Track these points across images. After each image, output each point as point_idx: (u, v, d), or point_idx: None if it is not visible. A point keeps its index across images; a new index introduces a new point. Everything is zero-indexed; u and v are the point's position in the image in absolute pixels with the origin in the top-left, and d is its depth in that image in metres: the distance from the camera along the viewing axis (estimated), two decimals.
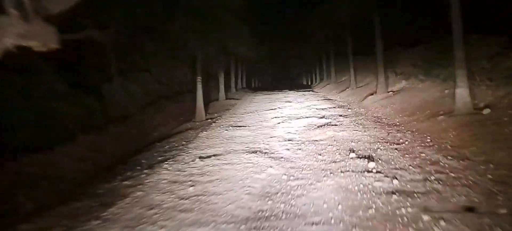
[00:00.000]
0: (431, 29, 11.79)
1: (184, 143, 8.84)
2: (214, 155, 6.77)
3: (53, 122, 9.73)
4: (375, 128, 8.57)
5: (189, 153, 7.31)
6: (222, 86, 19.13)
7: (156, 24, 13.38)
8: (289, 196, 4.32)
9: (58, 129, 9.46)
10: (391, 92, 12.82)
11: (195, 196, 4.55)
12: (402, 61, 13.34)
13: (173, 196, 4.62)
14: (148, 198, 4.61)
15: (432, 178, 4.56)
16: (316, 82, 35.23)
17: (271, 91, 26.73)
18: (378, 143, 6.83)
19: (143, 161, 7.51)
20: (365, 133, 7.91)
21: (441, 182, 4.37)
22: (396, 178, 4.57)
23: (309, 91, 24.58)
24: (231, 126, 10.46)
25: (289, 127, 9.61)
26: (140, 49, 16.72)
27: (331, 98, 17.18)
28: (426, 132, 7.44)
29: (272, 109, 13.84)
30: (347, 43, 19.23)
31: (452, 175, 4.60)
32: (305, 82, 44.21)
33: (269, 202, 4.19)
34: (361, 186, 4.40)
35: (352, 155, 6.01)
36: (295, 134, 8.57)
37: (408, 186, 4.32)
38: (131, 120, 13.40)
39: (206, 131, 9.96)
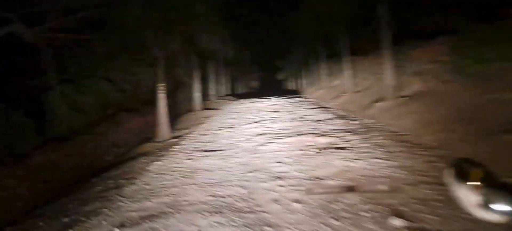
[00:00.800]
0: (458, 16, 9.18)
1: (123, 182, 5.94)
2: (148, 219, 3.88)
3: None
4: (403, 152, 5.84)
5: (114, 210, 4.40)
6: (197, 95, 16.23)
7: (104, 17, 10.37)
8: None
9: None
10: (403, 98, 10.15)
11: None
12: (415, 58, 10.74)
13: None
14: None
15: None
16: (305, 87, 32.58)
17: (256, 98, 23.98)
18: (426, 186, 4.06)
19: (41, 223, 4.62)
20: (394, 164, 5.16)
21: None
22: None
23: (298, 97, 21.84)
24: (199, 150, 7.61)
25: (277, 151, 6.81)
26: (92, 51, 13.69)
27: (327, 106, 14.47)
28: (491, 160, 4.68)
29: (256, 122, 11.03)
30: (341, 41, 16.56)
31: None
32: (293, 87, 41.54)
33: None
34: None
35: (397, 224, 3.21)
36: (287, 164, 5.76)
37: None
38: (73, 141, 10.37)
39: (160, 161, 7.07)
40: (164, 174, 5.96)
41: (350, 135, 7.59)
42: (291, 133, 8.52)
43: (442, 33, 9.36)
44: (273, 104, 16.61)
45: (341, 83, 19.35)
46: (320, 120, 10.07)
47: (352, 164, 5.32)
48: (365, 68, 16.54)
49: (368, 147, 6.35)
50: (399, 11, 10.82)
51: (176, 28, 9.50)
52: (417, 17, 11.21)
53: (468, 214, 3.01)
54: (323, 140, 7.26)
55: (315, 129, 8.67)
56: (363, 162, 5.38)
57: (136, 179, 5.93)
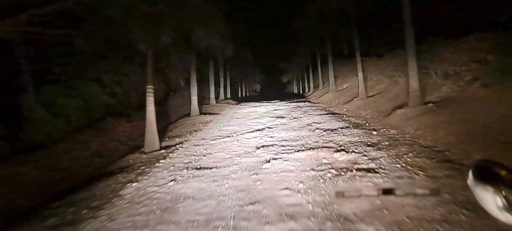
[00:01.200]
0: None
1: (84, 213, 4.57)
2: None
3: None
4: (451, 178, 4.44)
5: None
6: (194, 98, 14.84)
7: (87, 10, 9.01)
8: None
9: None
10: (430, 104, 8.75)
11: None
12: (444, 57, 9.35)
13: None
14: None
15: None
16: (309, 90, 31.21)
17: (258, 102, 22.59)
18: None
19: None
20: (448, 199, 3.76)
21: None
22: None
23: (304, 102, 20.40)
24: (189, 167, 6.23)
25: (285, 171, 5.42)
26: (80, 50, 12.40)
27: (337, 112, 13.04)
28: None
29: (259, 130, 9.65)
30: (353, 39, 15.12)
31: None
32: (296, 91, 40.19)
33: None
34: None
35: None
36: (299, 193, 4.38)
37: None
38: (49, 151, 9.06)
39: (139, 181, 5.69)
40: (138, 203, 4.59)
41: (374, 150, 6.19)
42: (300, 145, 7.13)
43: (480, 28, 7.94)
44: (277, 109, 15.22)
45: (351, 87, 18.00)
46: (332, 129, 8.67)
47: (388, 197, 3.92)
48: (379, 70, 15.18)
49: (402, 169, 4.94)
50: (423, 4, 9.44)
51: (167, 21, 8.11)
52: (446, 10, 9.81)
53: None
54: (341, 157, 5.86)
55: (328, 141, 7.27)
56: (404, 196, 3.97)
57: (101, 209, 4.56)
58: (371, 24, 15.41)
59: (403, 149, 6.11)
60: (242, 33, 23.56)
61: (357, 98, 14.29)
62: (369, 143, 6.76)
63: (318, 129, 8.97)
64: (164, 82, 19.15)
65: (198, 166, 6.22)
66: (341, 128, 8.78)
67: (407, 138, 7.08)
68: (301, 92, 36.81)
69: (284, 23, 25.43)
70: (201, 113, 15.16)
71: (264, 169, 5.62)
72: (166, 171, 6.16)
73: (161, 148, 8.88)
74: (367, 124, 9.35)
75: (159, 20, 8.04)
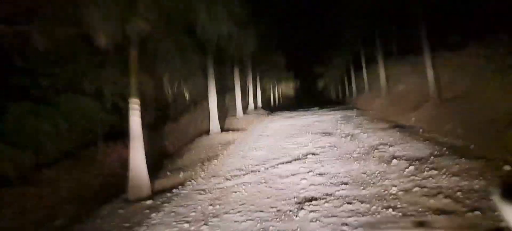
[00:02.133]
0: None
1: None
2: None
3: None
4: None
5: None
6: (214, 111, 11.83)
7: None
8: None
9: None
10: None
11: None
12: None
13: None
14: None
15: None
16: (352, 95, 27.38)
17: (294, 111, 19.26)
18: None
19: None
20: None
21: None
22: None
23: (351, 110, 16.67)
24: None
25: None
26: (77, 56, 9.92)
27: (405, 123, 9.53)
28: None
29: (298, 159, 6.44)
30: (418, 24, 11.42)
31: None
32: (335, 96, 36.37)
33: None
34: None
35: None
36: None
37: None
38: None
39: None
40: None
41: None
42: (379, 199, 3.83)
43: None
44: (320, 122, 11.90)
45: (409, 89, 14.30)
46: (421, 159, 5.29)
47: None
48: (452, 66, 11.48)
49: None
50: None
51: None
52: None
53: None
54: None
55: (434, 192, 3.92)
56: None
57: None
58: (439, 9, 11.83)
59: None
60: (273, 35, 20.67)
61: (427, 104, 10.63)
62: None
63: (395, 157, 5.60)
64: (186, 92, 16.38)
65: None
66: (435, 156, 5.36)
67: None
68: (341, 98, 32.97)
69: (321, 23, 22.26)
70: (223, 130, 12.14)
71: None
72: None
73: (154, 194, 5.91)
74: (474, 148, 5.81)
75: None
